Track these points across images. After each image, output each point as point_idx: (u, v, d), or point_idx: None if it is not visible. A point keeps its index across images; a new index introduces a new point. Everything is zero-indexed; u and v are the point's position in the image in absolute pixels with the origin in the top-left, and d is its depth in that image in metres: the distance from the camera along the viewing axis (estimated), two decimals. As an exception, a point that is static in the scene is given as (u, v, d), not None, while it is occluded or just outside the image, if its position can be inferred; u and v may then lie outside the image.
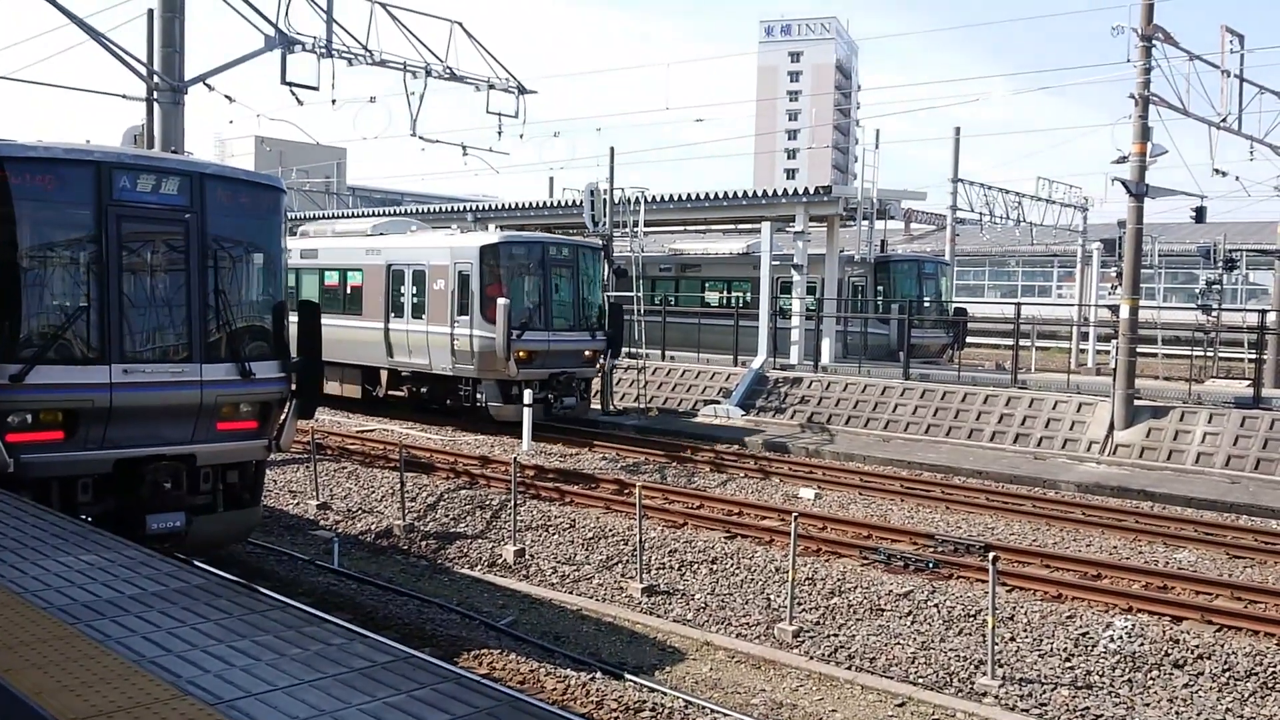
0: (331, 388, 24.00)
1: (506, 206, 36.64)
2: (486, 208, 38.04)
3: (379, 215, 35.92)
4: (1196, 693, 9.80)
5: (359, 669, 4.48)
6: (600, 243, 25.53)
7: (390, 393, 24.55)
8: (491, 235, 22.88)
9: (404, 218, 29.51)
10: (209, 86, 17.97)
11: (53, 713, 3.93)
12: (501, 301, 20.49)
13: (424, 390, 23.66)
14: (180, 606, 5.31)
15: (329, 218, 40.13)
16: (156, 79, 17.12)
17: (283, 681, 4.31)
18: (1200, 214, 26.81)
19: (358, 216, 36.70)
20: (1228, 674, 10.03)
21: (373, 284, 24.05)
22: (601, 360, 23.47)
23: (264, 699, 4.12)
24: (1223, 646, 10.41)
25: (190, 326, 10.09)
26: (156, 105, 17.27)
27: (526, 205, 35.72)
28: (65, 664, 4.45)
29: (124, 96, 18.95)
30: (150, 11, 17.67)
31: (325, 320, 23.16)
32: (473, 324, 21.37)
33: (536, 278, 22.25)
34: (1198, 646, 10.44)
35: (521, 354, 20.98)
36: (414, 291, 23.02)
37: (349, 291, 24.80)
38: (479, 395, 21.96)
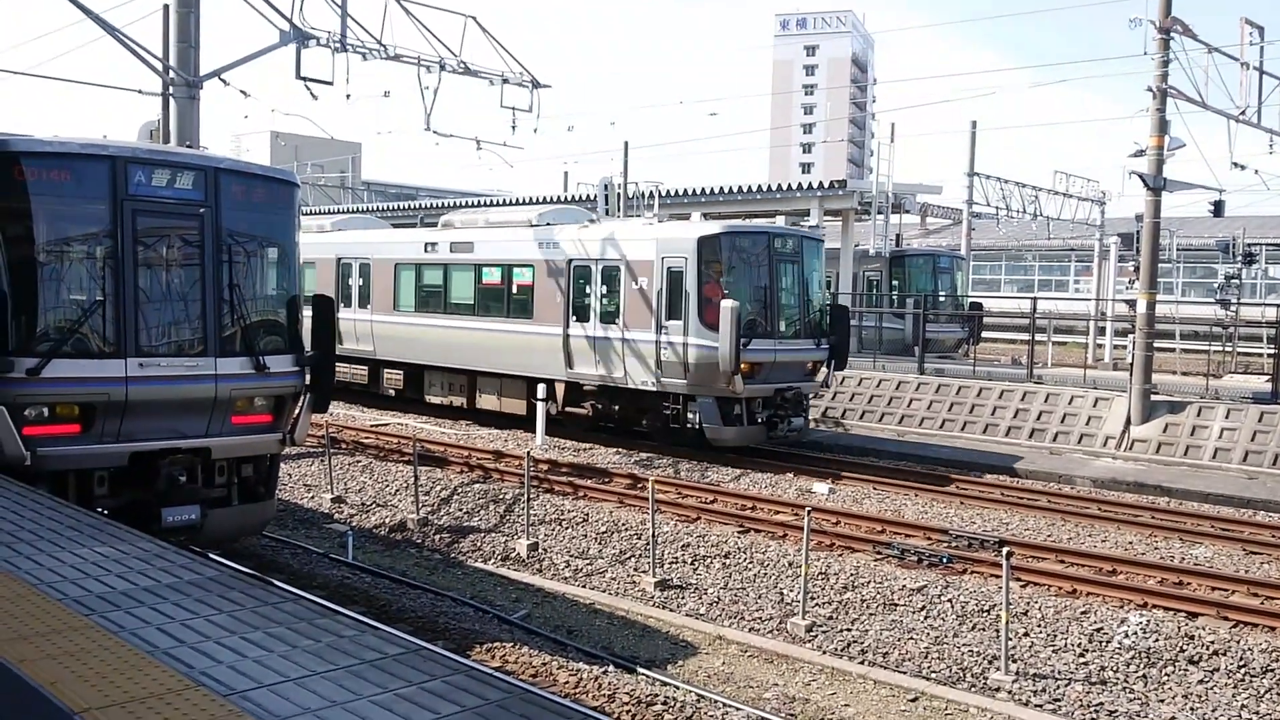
0: (487, 401, 22.55)
1: (522, 200, 36.67)
2: (502, 201, 38.11)
3: (540, 204, 31.54)
4: (1212, 689, 9.75)
5: (370, 660, 4.50)
6: (823, 233, 22.50)
7: (568, 409, 21.01)
8: (707, 224, 19.43)
9: (568, 206, 26.05)
10: (224, 82, 18.05)
11: (67, 703, 3.96)
12: (729, 304, 17.46)
13: (615, 407, 20.23)
14: (194, 598, 5.35)
15: (472, 204, 37.05)
16: (172, 74, 17.19)
17: (294, 673, 4.33)
18: (1219, 207, 26.60)
19: (516, 205, 33.20)
20: (1243, 670, 9.97)
21: (547, 282, 20.68)
22: (824, 372, 20.05)
23: (276, 690, 4.14)
24: (1239, 643, 10.35)
25: (205, 320, 10.14)
26: (172, 100, 17.34)
27: (543, 199, 35.73)
28: (80, 655, 4.48)
29: (140, 92, 19.03)
30: (166, 7, 17.72)
31: (483, 324, 21.60)
32: (687, 330, 18.21)
33: (761, 275, 19.02)
34: (1213, 643, 10.39)
35: (745, 366, 17.90)
36: (604, 291, 19.71)
37: (514, 291, 21.43)
38: (690, 415, 18.85)
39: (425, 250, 23.60)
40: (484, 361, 22.05)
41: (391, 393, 24.84)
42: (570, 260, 20.29)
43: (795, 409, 19.17)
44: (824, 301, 20.34)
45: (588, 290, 20.08)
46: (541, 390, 20.67)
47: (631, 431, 20.55)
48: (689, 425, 18.88)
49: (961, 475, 18.43)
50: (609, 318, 19.60)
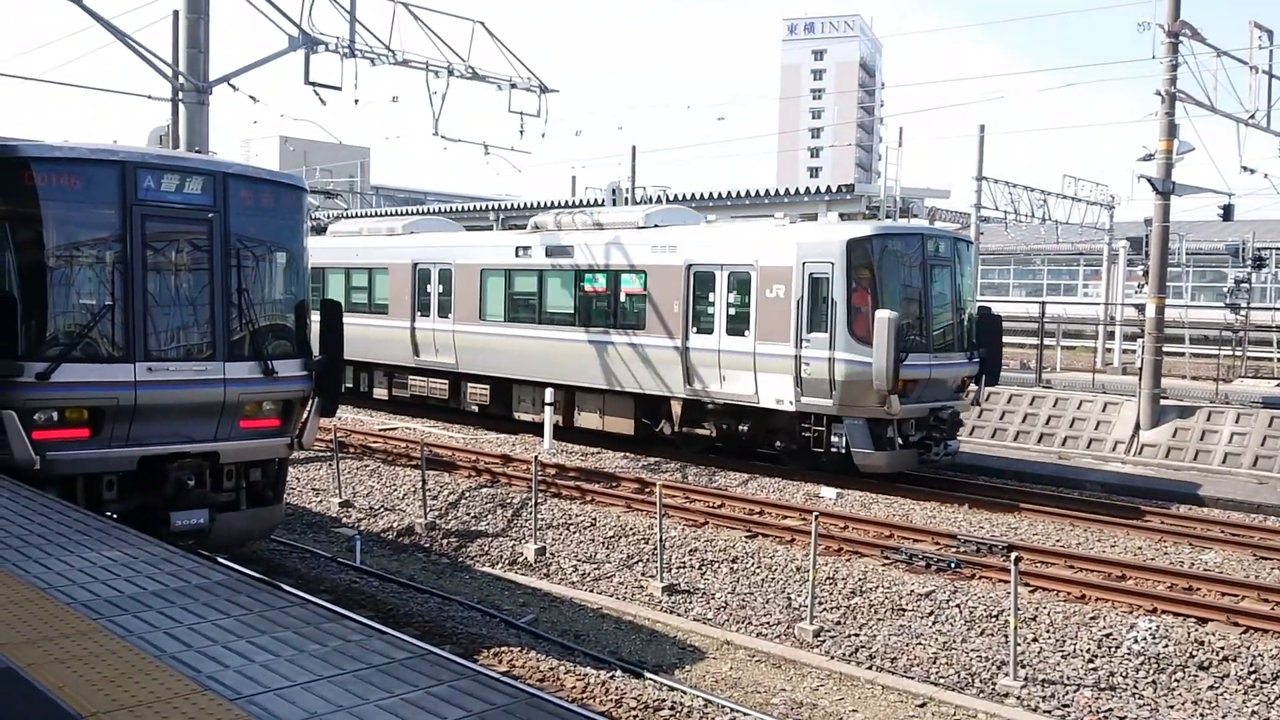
0: (587, 420, 20.86)
1: (530, 205, 36.68)
2: (510, 206, 38.11)
3: (652, 203, 30.19)
4: (1222, 695, 9.71)
5: (377, 665, 4.51)
6: (971, 235, 20.40)
7: (685, 429, 19.29)
8: (856, 225, 17.95)
9: (675, 206, 23.97)
10: (233, 87, 18.12)
11: (75, 707, 3.97)
12: (885, 315, 15.76)
13: (742, 428, 18.42)
14: (201, 603, 5.36)
15: (567, 206, 34.76)
16: (181, 79, 17.26)
17: (301, 677, 4.34)
18: (1228, 211, 26.55)
19: (626, 205, 30.47)
20: (1254, 676, 9.92)
21: (662, 290, 18.99)
22: (972, 388, 18.28)
23: (283, 694, 4.15)
24: (1249, 649, 10.31)
25: (214, 325, 10.17)
26: (181, 105, 17.41)
27: (549, 204, 35.73)
28: (88, 659, 4.49)
29: (149, 97, 19.12)
30: (175, 13, 17.81)
31: (585, 335, 20.24)
32: (833, 343, 16.47)
33: (914, 281, 17.26)
34: (1223, 648, 10.34)
35: (899, 384, 16.25)
36: (732, 300, 18.02)
37: (622, 299, 19.81)
38: (835, 438, 16.99)
39: (516, 255, 21.79)
40: (585, 376, 20.40)
41: (475, 409, 23.30)
42: (689, 265, 18.61)
43: (950, 430, 17.64)
44: (974, 310, 18.37)
45: (710, 298, 18.39)
46: (549, 394, 20.62)
47: (769, 455, 18.73)
48: (833, 449, 17.04)
49: (970, 479, 18.35)
50: (737, 329, 17.89)
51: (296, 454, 11.60)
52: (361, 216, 35.46)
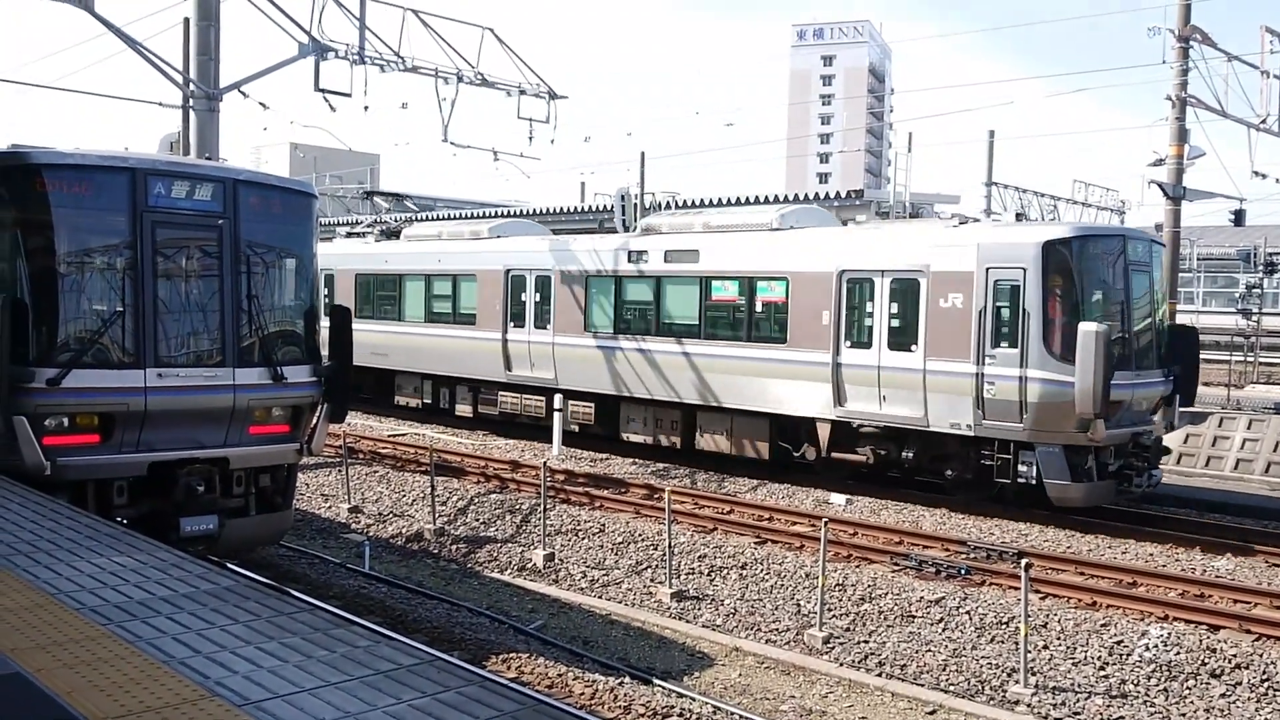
0: (710, 442, 18.92)
1: (538, 211, 36.67)
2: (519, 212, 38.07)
3: (776, 203, 26.67)
4: (1234, 703, 9.64)
5: (385, 671, 4.51)
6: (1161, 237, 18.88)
7: (837, 455, 17.30)
8: (1051, 226, 16.20)
9: (809, 205, 21.35)
10: (244, 94, 18.24)
11: (83, 712, 3.98)
12: (1093, 328, 14.09)
13: (905, 454, 16.49)
14: (210, 608, 5.37)
15: (678, 205, 32.20)
16: (192, 86, 17.36)
17: (309, 683, 4.34)
18: (1239, 217, 26.45)
19: (755, 204, 26.67)
20: (1266, 684, 9.86)
21: (809, 298, 17.15)
22: (1167, 410, 16.40)
23: (290, 700, 4.15)
24: (1261, 656, 10.24)
25: (223, 331, 10.21)
26: (192, 112, 17.53)
27: (556, 210, 35.71)
28: (96, 664, 4.50)
29: (161, 104, 19.26)
30: (186, 20, 17.92)
31: (712, 349, 18.51)
32: (1025, 360, 14.71)
33: (1115, 290, 15.44)
34: (1235, 656, 10.28)
35: None
36: (895, 310, 16.20)
37: (758, 309, 18.06)
38: (1023, 466, 15.02)
39: (628, 260, 19.85)
40: (710, 395, 18.63)
41: (575, 428, 21.33)
42: (842, 271, 16.74)
43: (1154, 457, 15.74)
44: (1161, 321, 16.67)
45: (868, 308, 16.55)
46: (558, 400, 20.60)
47: (936, 485, 16.84)
48: (1019, 479, 15.10)
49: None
50: (901, 342, 16.03)
51: (306, 459, 11.62)
52: (441, 220, 34.16)
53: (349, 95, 18.84)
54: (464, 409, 23.50)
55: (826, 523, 12.29)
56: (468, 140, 23.31)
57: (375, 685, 4.33)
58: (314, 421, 11.05)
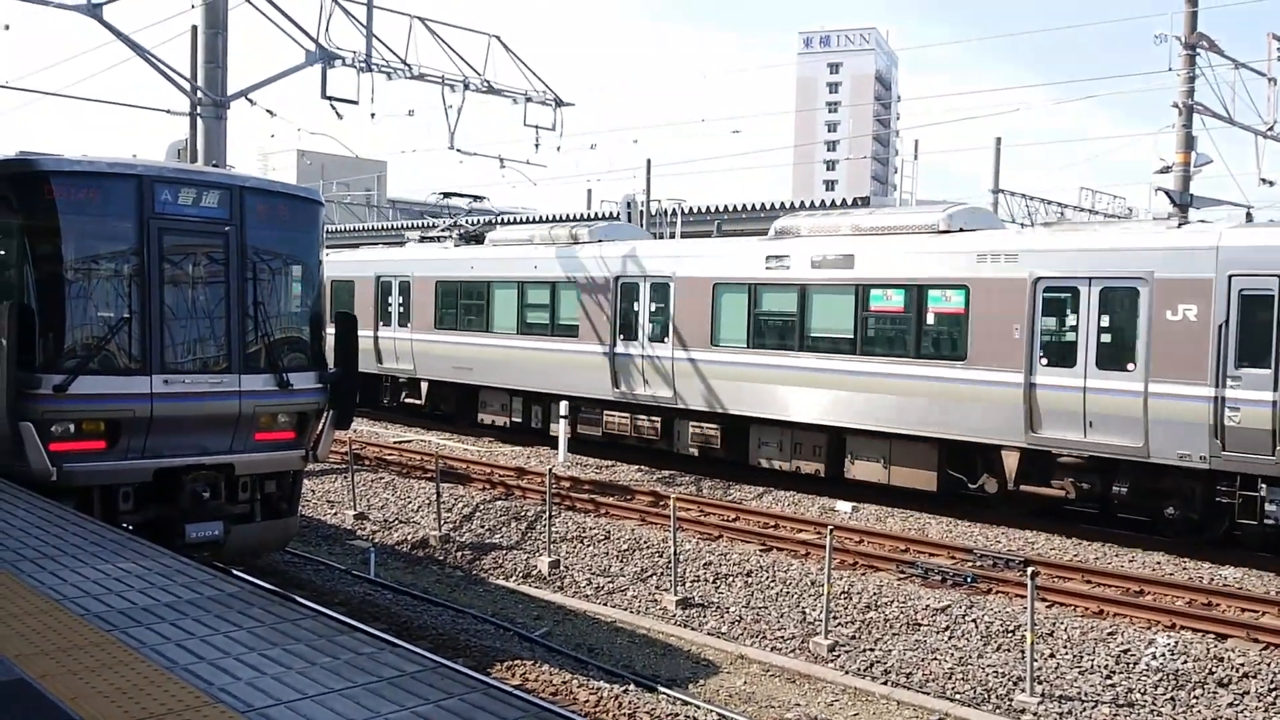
0: (866, 470, 16.98)
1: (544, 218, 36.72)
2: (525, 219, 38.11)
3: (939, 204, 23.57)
4: (1241, 712, 9.60)
5: (388, 678, 4.50)
6: None
7: (1026, 488, 15.41)
8: None
9: (976, 207, 18.77)
10: (251, 101, 18.28)
11: (86, 718, 3.98)
12: None
13: (1117, 488, 14.60)
14: (214, 614, 5.37)
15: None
16: (200, 94, 17.42)
17: (312, 690, 4.34)
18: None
19: (909, 206, 24.98)
20: (1274, 693, 9.81)
21: (994, 309, 15.22)
22: None
23: (294, 707, 4.15)
24: (1269, 665, 10.19)
25: (229, 338, 10.24)
26: (200, 120, 17.58)
27: (568, 217, 35.74)
28: (100, 670, 4.50)
29: (168, 111, 19.30)
30: (194, 28, 17.99)
31: (870, 366, 16.63)
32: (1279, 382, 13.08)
33: None
34: (1243, 665, 10.23)
35: None
36: (1107, 324, 14.52)
37: (929, 321, 16.09)
38: (1272, 506, 13.23)
39: (766, 266, 17.93)
40: (864, 416, 16.71)
41: (694, 451, 19.64)
42: (1037, 279, 14.89)
43: None
44: None
45: (1069, 321, 14.84)
46: (564, 407, 20.57)
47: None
48: (1267, 520, 13.31)
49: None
50: (1115, 361, 14.31)
51: (311, 466, 11.64)
52: (527, 223, 32.15)
53: (356, 103, 18.90)
54: (560, 428, 21.27)
55: (832, 530, 12.27)
56: (474, 148, 23.34)
57: (379, 692, 4.33)
58: (319, 428, 11.07)
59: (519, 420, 22.66)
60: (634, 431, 20.26)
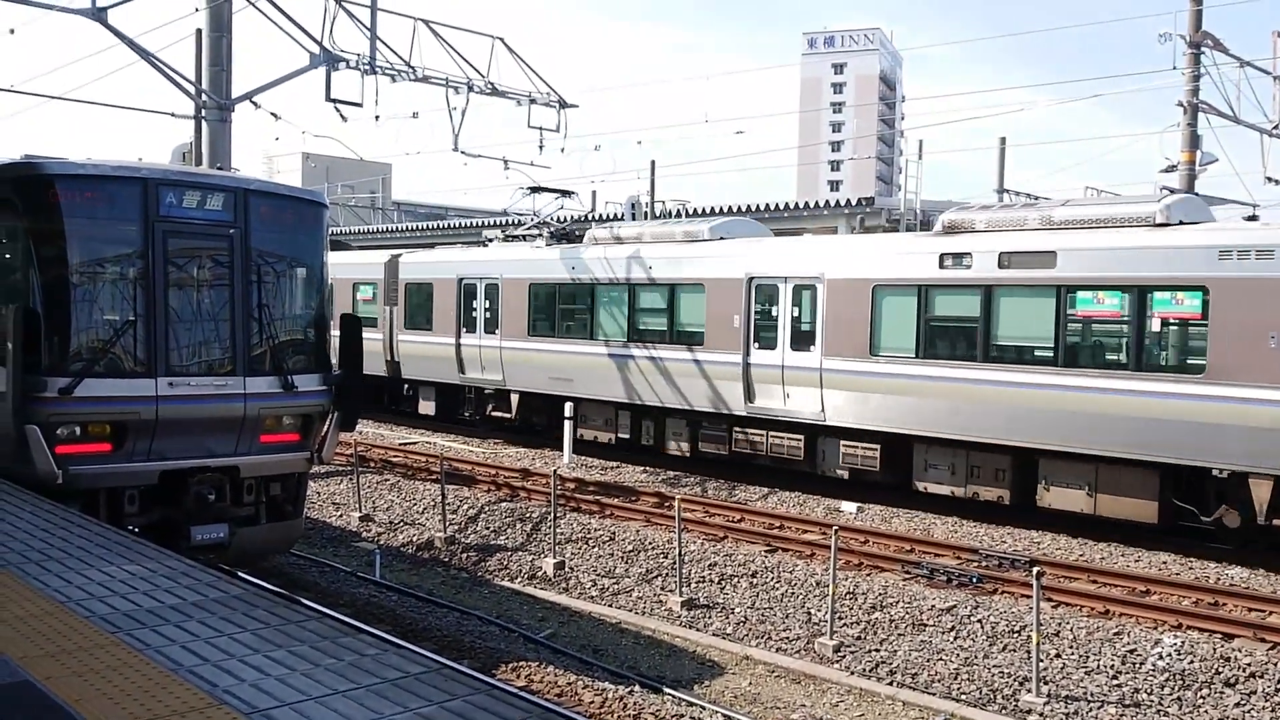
0: (1064, 497, 14.82)
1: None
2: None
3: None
4: (1249, 712, 9.57)
5: (393, 679, 4.51)
6: None
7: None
8: None
9: (1189, 195, 17.13)
10: (255, 104, 18.31)
11: (91, 720, 3.99)
12: None
13: None
14: (219, 616, 5.38)
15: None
16: (204, 97, 17.46)
17: (317, 691, 4.34)
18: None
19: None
20: (1281, 693, 9.79)
21: (1240, 316, 13.10)
22: None
23: (298, 708, 4.15)
24: (1276, 665, 10.16)
25: (234, 340, 10.26)
26: (204, 123, 17.62)
27: (572, 219, 35.55)
28: (105, 672, 4.51)
29: (173, 114, 19.34)
30: (199, 31, 18.02)
31: (1068, 379, 14.36)
32: None
33: None
34: (1249, 665, 10.20)
35: None
36: None
37: (1152, 328, 14.06)
38: None
39: (940, 265, 15.88)
40: (1064, 436, 14.62)
41: (843, 474, 17.64)
42: None
43: None
44: None
45: None
46: (568, 409, 20.56)
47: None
48: None
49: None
50: None
51: (316, 468, 11.65)
52: (632, 220, 29.41)
53: (360, 105, 18.94)
54: (678, 446, 19.80)
55: (837, 531, 12.26)
56: (478, 149, 23.32)
57: (383, 694, 4.33)
58: (325, 430, 11.09)
59: (625, 436, 20.66)
60: (772, 451, 18.16)
